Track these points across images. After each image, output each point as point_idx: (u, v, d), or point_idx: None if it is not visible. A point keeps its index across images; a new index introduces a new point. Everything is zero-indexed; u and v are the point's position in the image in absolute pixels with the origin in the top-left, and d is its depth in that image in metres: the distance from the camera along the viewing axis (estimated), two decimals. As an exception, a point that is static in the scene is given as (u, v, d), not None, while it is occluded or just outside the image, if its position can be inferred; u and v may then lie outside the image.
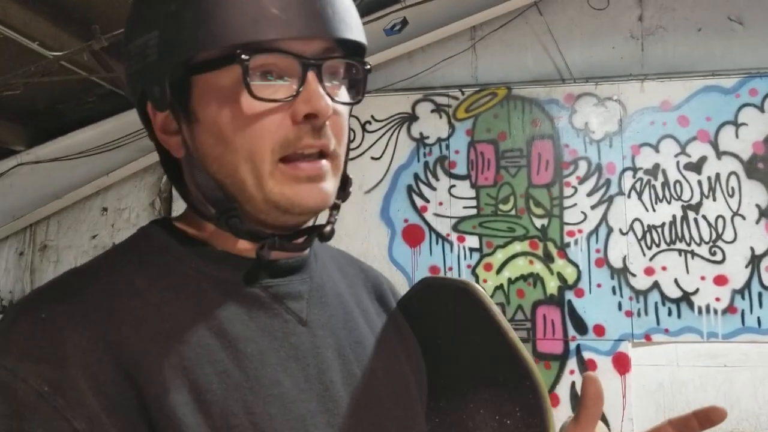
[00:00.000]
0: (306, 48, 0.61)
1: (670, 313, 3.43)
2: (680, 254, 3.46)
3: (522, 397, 0.68)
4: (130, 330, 0.57)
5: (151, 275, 0.62)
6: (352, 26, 0.64)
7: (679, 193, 3.49)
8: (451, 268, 3.62)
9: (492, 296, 3.53)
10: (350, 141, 0.72)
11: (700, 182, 3.48)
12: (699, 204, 3.47)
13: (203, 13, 0.59)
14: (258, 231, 0.65)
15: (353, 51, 0.66)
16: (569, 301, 3.50)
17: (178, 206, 3.57)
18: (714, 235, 3.44)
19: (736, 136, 3.46)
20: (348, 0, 0.65)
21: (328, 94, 0.62)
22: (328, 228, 0.69)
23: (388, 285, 0.85)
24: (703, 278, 3.43)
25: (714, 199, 3.46)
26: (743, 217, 3.43)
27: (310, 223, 0.69)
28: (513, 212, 3.60)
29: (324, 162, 0.63)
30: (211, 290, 0.63)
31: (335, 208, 0.70)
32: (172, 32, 0.60)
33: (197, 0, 0.60)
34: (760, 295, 3.37)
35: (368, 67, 0.67)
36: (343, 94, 0.66)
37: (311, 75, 0.61)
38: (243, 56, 0.58)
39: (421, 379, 0.77)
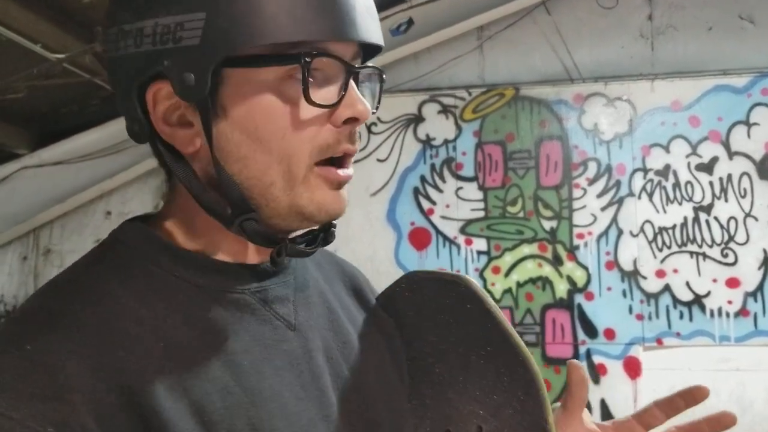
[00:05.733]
0: (346, 52, 0.60)
1: (681, 317, 3.38)
2: (692, 256, 3.41)
3: (517, 387, 0.67)
4: (126, 352, 0.52)
5: (138, 290, 0.58)
6: (379, 29, 0.64)
7: (690, 195, 3.44)
8: (458, 272, 3.58)
9: (500, 300, 3.49)
10: None
11: (711, 183, 3.43)
12: (710, 205, 3.42)
13: (257, 5, 0.55)
14: (273, 235, 0.63)
15: (371, 54, 0.67)
16: (579, 305, 3.46)
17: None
18: (726, 237, 3.39)
19: (748, 136, 3.42)
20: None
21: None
22: (333, 231, 0.68)
23: (364, 278, 0.84)
24: (715, 281, 3.38)
25: (726, 200, 3.41)
26: (756, 219, 3.38)
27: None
28: (521, 214, 3.56)
29: (351, 170, 0.64)
30: (200, 300, 0.60)
31: None
32: (224, 19, 0.55)
33: None
34: (773, 297, 3.33)
35: (384, 75, 0.67)
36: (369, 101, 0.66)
37: (351, 80, 0.61)
38: (306, 58, 0.56)
39: (404, 375, 0.75)
